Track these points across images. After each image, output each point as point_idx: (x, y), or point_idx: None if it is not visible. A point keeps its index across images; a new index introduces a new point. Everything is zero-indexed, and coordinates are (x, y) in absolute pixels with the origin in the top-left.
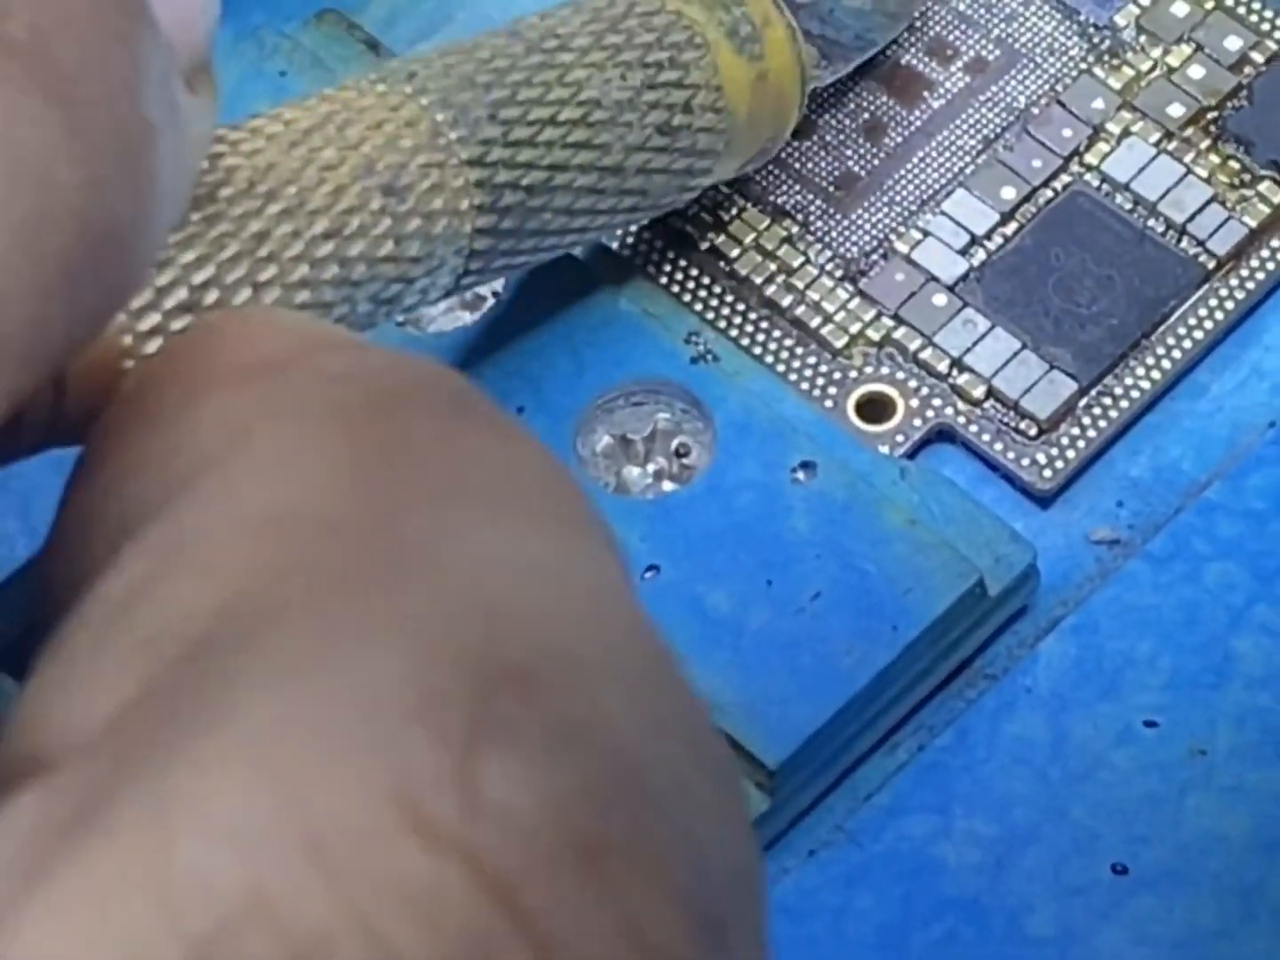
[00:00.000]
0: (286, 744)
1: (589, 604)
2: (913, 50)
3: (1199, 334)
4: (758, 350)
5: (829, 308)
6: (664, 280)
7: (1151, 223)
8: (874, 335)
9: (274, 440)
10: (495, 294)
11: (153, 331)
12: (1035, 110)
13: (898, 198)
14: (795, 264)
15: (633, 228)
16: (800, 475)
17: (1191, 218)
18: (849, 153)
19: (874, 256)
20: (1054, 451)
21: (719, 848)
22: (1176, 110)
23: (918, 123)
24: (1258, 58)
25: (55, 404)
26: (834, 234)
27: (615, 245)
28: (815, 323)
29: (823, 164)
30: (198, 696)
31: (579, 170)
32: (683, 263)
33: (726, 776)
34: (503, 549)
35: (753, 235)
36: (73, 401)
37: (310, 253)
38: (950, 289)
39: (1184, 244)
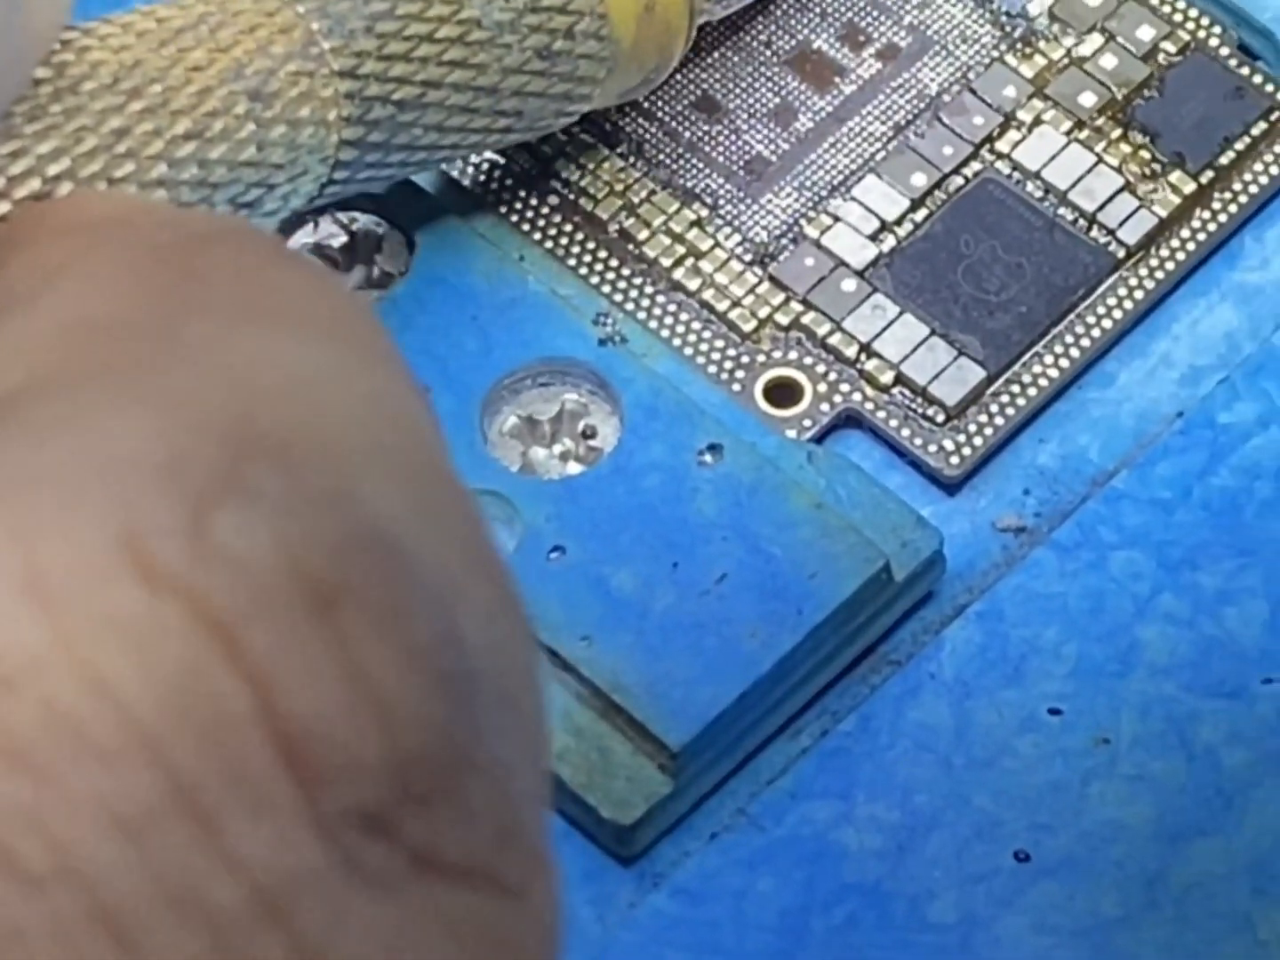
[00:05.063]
0: (21, 491)
1: (367, 408)
2: (824, 35)
3: (1108, 323)
4: (666, 333)
5: (737, 291)
6: (572, 262)
7: (1062, 211)
8: (782, 320)
9: (81, 274)
10: (401, 272)
11: (1, 220)
12: (947, 97)
13: (808, 183)
14: (704, 247)
15: (543, 210)
16: (707, 458)
17: (1102, 207)
18: (759, 137)
19: (783, 241)
20: (961, 438)
21: (481, 635)
22: (1088, 99)
23: (829, 108)
24: (1170, 48)
25: None
26: (743, 218)
27: (525, 226)
28: (724, 306)
29: (732, 148)
30: None
31: (453, 88)
32: (591, 245)
33: (505, 592)
34: (284, 355)
35: (662, 218)
36: None
37: (170, 152)
38: (860, 274)
39: (1094, 233)
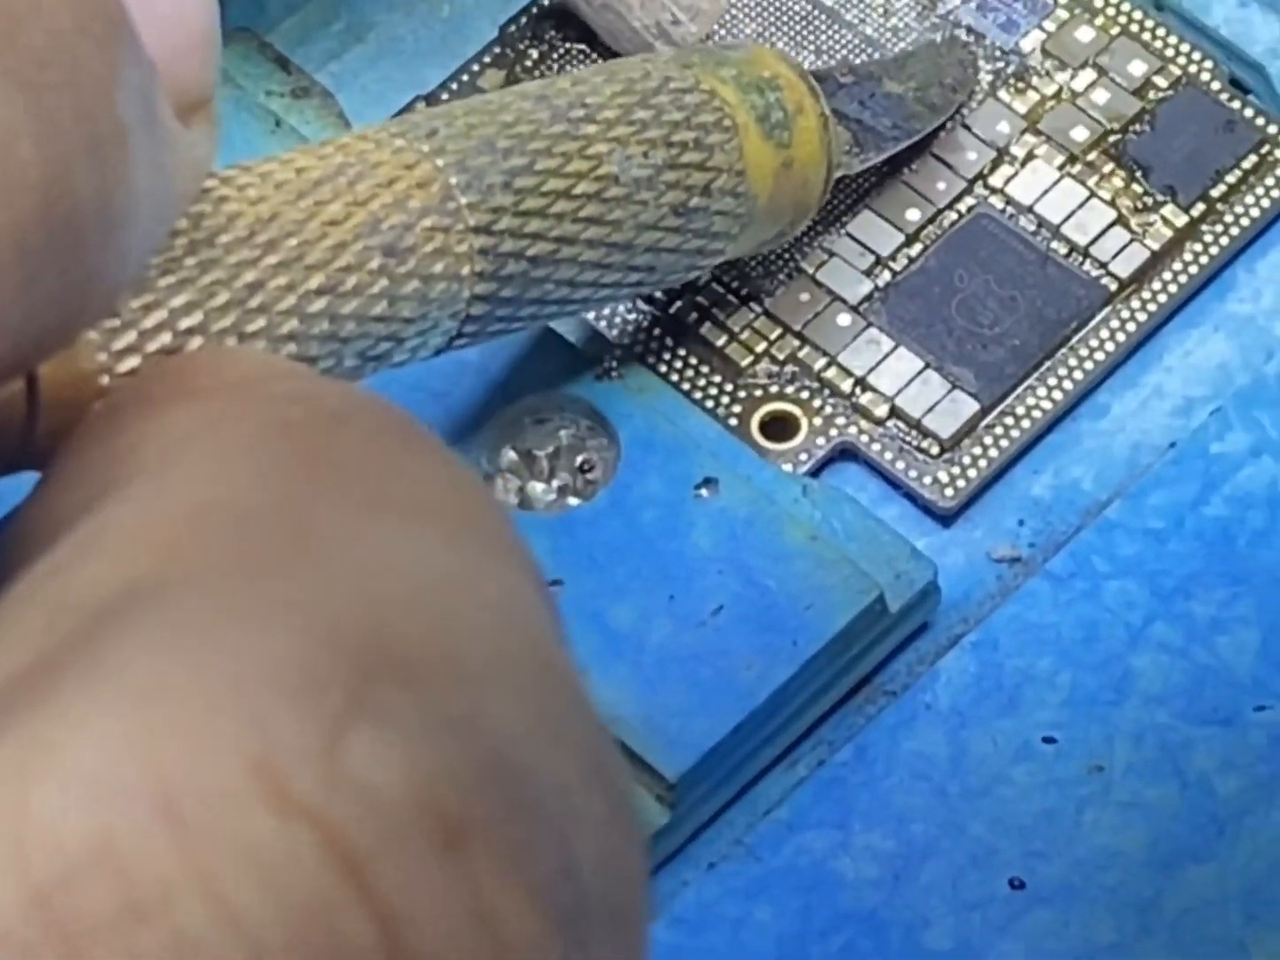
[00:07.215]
0: (155, 704)
1: (491, 616)
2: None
3: (1100, 355)
4: (662, 368)
5: (734, 326)
6: None
7: (1054, 245)
8: (778, 354)
9: (211, 448)
10: None
11: (131, 374)
12: (940, 133)
13: None
14: (700, 282)
15: None
16: (703, 492)
17: (1094, 240)
18: None
19: (779, 276)
20: (956, 470)
21: (594, 855)
22: (1080, 134)
23: None
24: (1161, 82)
25: (27, 432)
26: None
27: None
28: (720, 341)
29: None
30: (77, 660)
31: (587, 245)
32: None
33: (618, 796)
34: (412, 556)
35: None
36: (44, 431)
37: (302, 307)
38: (854, 309)
39: (1087, 266)
